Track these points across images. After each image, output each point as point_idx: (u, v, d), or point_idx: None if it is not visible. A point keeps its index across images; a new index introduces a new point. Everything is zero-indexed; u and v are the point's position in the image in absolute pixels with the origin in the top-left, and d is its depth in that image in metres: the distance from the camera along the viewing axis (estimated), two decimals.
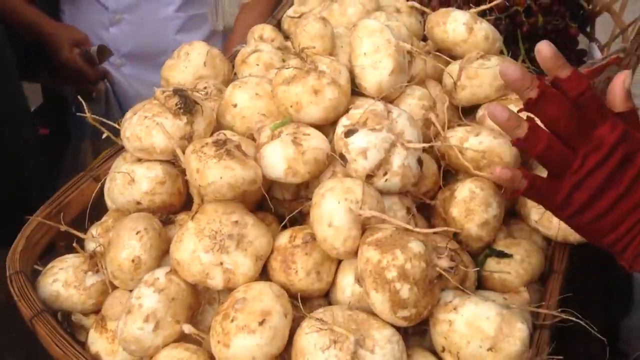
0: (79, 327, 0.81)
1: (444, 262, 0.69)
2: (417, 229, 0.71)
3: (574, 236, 0.84)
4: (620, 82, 0.70)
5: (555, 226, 0.84)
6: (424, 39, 1.05)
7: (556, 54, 0.68)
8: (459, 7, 1.31)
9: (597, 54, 1.47)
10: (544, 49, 0.67)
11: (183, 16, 1.57)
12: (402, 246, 0.67)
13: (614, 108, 0.71)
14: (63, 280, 0.79)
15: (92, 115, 0.81)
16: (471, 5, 1.21)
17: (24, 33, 1.50)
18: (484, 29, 0.96)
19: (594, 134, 0.68)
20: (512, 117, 0.69)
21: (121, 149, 0.92)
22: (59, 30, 1.47)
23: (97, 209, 0.89)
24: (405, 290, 0.66)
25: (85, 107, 0.79)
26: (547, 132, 0.69)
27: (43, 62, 1.51)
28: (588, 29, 1.50)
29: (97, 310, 0.80)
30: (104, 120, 0.83)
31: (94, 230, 0.84)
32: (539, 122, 0.70)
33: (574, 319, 0.71)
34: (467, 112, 0.94)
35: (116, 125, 0.84)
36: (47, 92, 1.68)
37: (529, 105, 0.69)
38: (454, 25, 0.94)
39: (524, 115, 0.70)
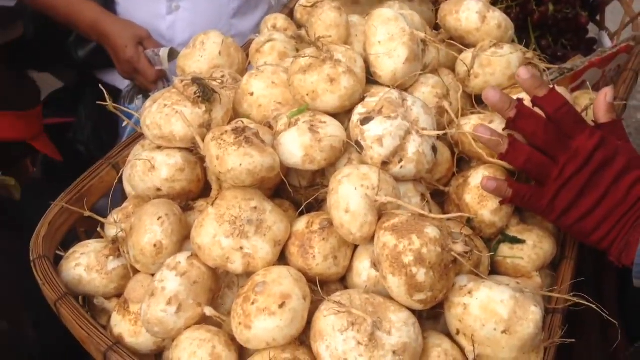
0: (100, 311, 0.83)
1: (459, 247, 0.70)
2: (432, 215, 0.73)
3: None
4: (603, 96, 0.81)
5: None
6: (436, 27, 1.06)
7: (533, 76, 0.79)
8: None
9: (607, 42, 1.47)
10: (522, 73, 0.79)
11: (238, 0, 1.58)
12: (419, 231, 0.69)
13: (598, 120, 0.82)
14: (85, 265, 0.81)
15: (113, 104, 0.82)
16: None
17: (81, 31, 1.49)
18: (496, 18, 0.96)
19: (571, 144, 0.76)
20: (493, 135, 0.78)
21: (139, 136, 0.94)
22: (122, 28, 1.45)
23: (115, 195, 0.91)
24: (421, 274, 0.67)
25: (106, 96, 0.81)
26: (526, 146, 0.78)
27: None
28: (598, 18, 1.50)
29: (118, 294, 0.82)
30: (124, 108, 0.84)
31: (115, 215, 0.86)
32: (521, 138, 0.80)
33: (586, 302, 0.72)
34: (480, 100, 0.95)
35: (136, 114, 0.85)
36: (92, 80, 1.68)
37: (509, 124, 0.79)
38: (467, 13, 0.95)
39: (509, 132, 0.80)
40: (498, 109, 0.80)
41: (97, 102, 0.84)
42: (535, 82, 0.78)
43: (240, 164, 0.71)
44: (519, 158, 0.78)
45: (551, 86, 0.79)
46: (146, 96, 1.52)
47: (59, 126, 1.79)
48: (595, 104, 0.82)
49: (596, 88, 1.28)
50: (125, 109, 0.85)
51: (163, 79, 1.49)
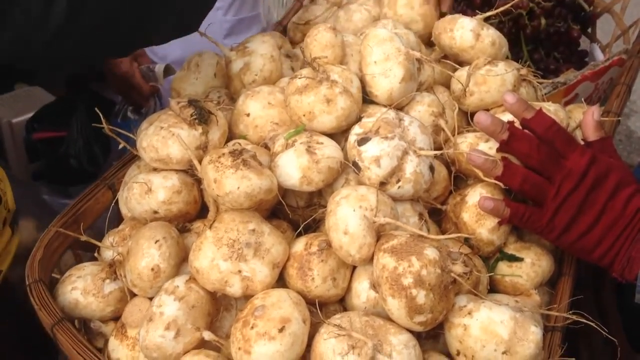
0: (97, 334, 0.82)
1: (459, 268, 0.70)
2: (431, 236, 0.73)
3: None
4: (590, 115, 0.83)
5: None
6: (430, 44, 1.07)
7: (519, 99, 0.80)
8: (463, 12, 1.33)
9: (599, 55, 1.48)
10: (509, 98, 0.81)
11: (231, 20, 1.57)
12: (418, 253, 0.69)
13: (587, 138, 0.83)
14: (82, 288, 0.80)
15: (109, 126, 0.82)
16: (476, 11, 1.23)
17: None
18: (490, 35, 0.97)
19: (565, 163, 0.78)
20: (487, 160, 0.79)
21: (134, 157, 0.93)
22: None
23: (111, 215, 0.90)
24: (421, 296, 0.67)
25: (102, 118, 0.80)
26: (521, 167, 0.79)
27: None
28: (589, 30, 1.52)
29: (115, 317, 0.82)
30: (120, 130, 0.84)
31: (111, 237, 0.85)
32: (515, 160, 0.81)
33: (585, 321, 0.73)
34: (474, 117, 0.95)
35: (132, 136, 0.85)
36: (89, 97, 1.67)
37: (502, 146, 0.80)
38: (461, 31, 0.95)
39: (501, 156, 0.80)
40: (490, 133, 0.81)
41: (93, 125, 0.84)
42: (522, 106, 0.80)
43: (238, 187, 0.71)
44: (515, 179, 0.78)
45: (538, 108, 0.81)
46: (138, 112, 1.52)
47: (51, 140, 1.78)
48: (583, 123, 0.84)
49: (589, 101, 1.29)
50: (121, 131, 0.85)
51: (155, 96, 1.49)
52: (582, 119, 0.84)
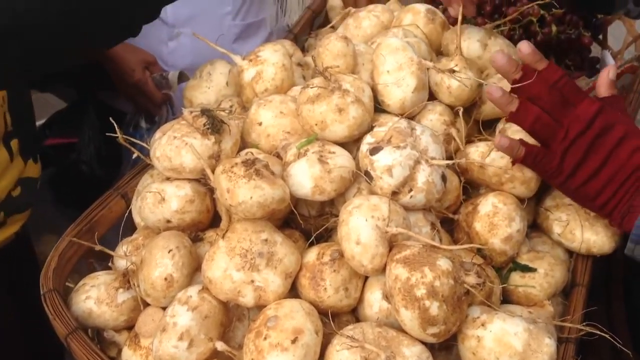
0: (110, 344, 0.83)
1: (472, 279, 0.70)
2: (444, 246, 0.73)
3: (597, 248, 0.85)
4: (606, 73, 0.85)
5: (578, 239, 0.85)
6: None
7: (534, 50, 0.82)
8: (473, 19, 1.33)
9: (610, 61, 1.47)
10: (524, 48, 0.82)
11: (240, 24, 1.57)
12: (431, 264, 0.69)
13: (600, 94, 0.85)
14: (95, 298, 0.81)
15: (123, 136, 0.82)
16: (485, 19, 1.23)
17: (86, 55, 1.49)
18: (498, 45, 0.97)
19: (573, 110, 0.79)
20: (505, 94, 0.81)
21: (147, 166, 0.94)
22: (129, 53, 1.44)
23: (124, 224, 0.91)
24: (434, 308, 0.67)
25: (116, 128, 0.81)
26: (535, 106, 0.80)
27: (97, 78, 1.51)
28: (600, 37, 1.51)
29: (128, 327, 0.82)
30: (133, 139, 0.84)
31: (124, 247, 0.85)
32: None
33: (599, 332, 0.72)
34: (487, 126, 0.95)
35: (145, 145, 0.85)
36: (98, 107, 1.67)
37: (514, 85, 0.81)
38: (468, 42, 0.95)
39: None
40: (504, 72, 0.82)
41: (107, 134, 0.84)
42: (536, 56, 0.82)
43: (251, 197, 0.71)
44: (528, 118, 0.79)
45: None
46: (151, 121, 1.52)
47: (63, 147, 1.79)
48: (598, 80, 0.86)
49: None
50: (134, 139, 0.85)
51: (167, 103, 1.50)
52: (598, 77, 0.86)
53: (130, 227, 0.92)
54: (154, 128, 1.46)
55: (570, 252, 0.89)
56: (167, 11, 1.52)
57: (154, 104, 1.47)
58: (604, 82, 0.85)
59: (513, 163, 0.81)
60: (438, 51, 1.05)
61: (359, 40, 1.07)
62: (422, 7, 1.06)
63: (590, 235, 0.85)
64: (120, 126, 0.82)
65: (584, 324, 0.76)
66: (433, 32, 1.04)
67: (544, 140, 0.81)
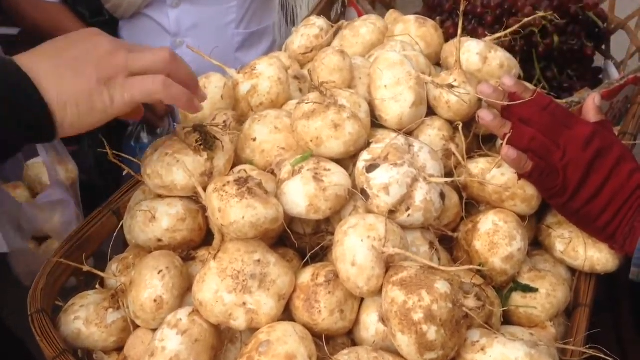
0: None
1: (471, 302, 0.68)
2: (442, 267, 0.70)
3: (601, 265, 0.83)
4: (591, 100, 0.86)
5: (581, 256, 0.83)
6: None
7: (517, 82, 0.83)
8: (474, 30, 1.31)
9: (613, 72, 1.45)
10: (507, 81, 0.83)
11: (243, 33, 1.55)
12: (428, 286, 0.66)
13: (589, 120, 0.84)
14: (84, 318, 0.79)
15: (113, 151, 0.80)
16: (486, 32, 1.21)
17: None
18: (498, 58, 0.95)
19: (568, 131, 0.79)
20: (497, 117, 0.81)
21: (139, 181, 0.92)
22: None
23: (115, 240, 0.89)
24: (432, 332, 0.65)
25: (105, 144, 0.79)
26: (529, 128, 0.80)
27: None
28: (603, 47, 1.49)
29: (118, 348, 0.80)
30: (124, 155, 0.83)
31: (114, 265, 0.83)
32: None
33: (604, 357, 0.70)
34: (486, 141, 0.93)
35: (136, 161, 0.83)
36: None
37: (503, 112, 0.82)
38: (468, 55, 0.93)
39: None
40: (489, 104, 0.83)
41: (98, 150, 0.83)
42: (521, 87, 0.82)
43: (243, 217, 0.69)
44: (524, 138, 0.78)
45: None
46: (153, 133, 1.50)
47: None
48: (584, 107, 0.86)
49: None
50: (125, 156, 0.83)
51: (169, 116, 1.48)
52: (584, 104, 0.86)
53: (123, 243, 0.90)
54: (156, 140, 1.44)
55: (572, 271, 0.86)
56: (170, 20, 1.51)
57: (156, 116, 1.45)
58: (591, 108, 0.85)
59: (519, 177, 0.80)
60: (436, 56, 1.04)
61: (359, 48, 1.05)
62: (411, 17, 1.07)
63: (594, 253, 0.83)
64: (121, 140, 0.80)
65: (588, 346, 0.73)
66: (427, 35, 1.03)
67: (541, 160, 0.80)
